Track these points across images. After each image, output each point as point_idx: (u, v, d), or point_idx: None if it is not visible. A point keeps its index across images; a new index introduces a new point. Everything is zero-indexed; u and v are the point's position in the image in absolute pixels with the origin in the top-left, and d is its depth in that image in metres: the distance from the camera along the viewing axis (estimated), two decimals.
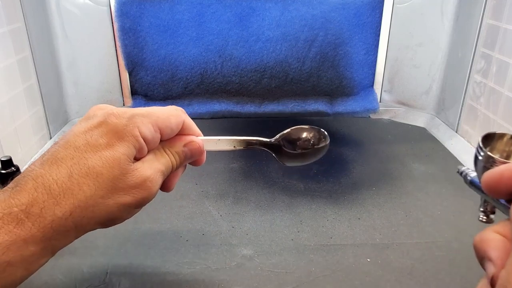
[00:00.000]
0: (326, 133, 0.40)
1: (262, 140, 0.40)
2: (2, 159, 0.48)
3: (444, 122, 0.81)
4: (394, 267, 0.46)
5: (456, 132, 0.76)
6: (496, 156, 0.29)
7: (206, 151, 0.39)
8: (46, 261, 0.30)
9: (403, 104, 0.88)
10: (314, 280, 0.44)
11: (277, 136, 0.40)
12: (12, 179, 0.30)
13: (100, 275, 0.44)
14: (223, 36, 0.82)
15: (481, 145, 0.30)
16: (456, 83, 0.76)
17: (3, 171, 0.48)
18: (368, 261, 0.47)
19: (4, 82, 0.62)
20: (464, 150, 0.71)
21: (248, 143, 0.40)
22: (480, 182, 0.27)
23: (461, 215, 0.55)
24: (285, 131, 0.40)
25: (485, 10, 0.68)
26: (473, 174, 0.32)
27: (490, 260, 0.22)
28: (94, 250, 0.48)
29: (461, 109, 0.75)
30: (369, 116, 0.88)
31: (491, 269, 0.21)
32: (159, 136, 0.35)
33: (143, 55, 0.83)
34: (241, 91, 0.86)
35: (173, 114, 0.35)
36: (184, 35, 0.82)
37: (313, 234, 0.51)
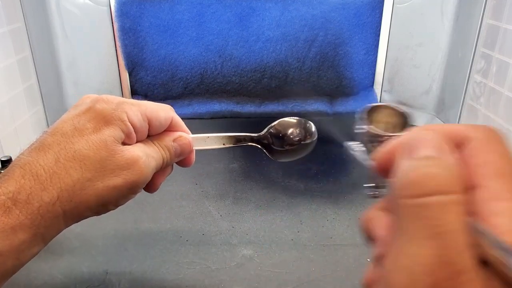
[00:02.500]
0: (313, 127, 0.40)
1: (250, 135, 0.40)
2: (2, 159, 0.48)
3: (444, 122, 0.81)
4: None
5: None
6: (380, 131, 0.29)
7: (196, 150, 0.39)
8: (39, 251, 0.29)
9: (403, 104, 0.88)
10: (314, 280, 0.44)
11: (265, 129, 0.40)
12: None
13: (100, 275, 0.44)
14: (223, 36, 0.82)
15: (363, 120, 0.30)
16: (456, 83, 0.76)
17: (3, 171, 0.48)
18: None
19: (4, 82, 0.62)
20: None
21: (237, 139, 0.39)
22: (365, 158, 0.29)
23: None
24: (273, 124, 0.40)
25: (485, 10, 0.68)
26: (356, 149, 0.32)
27: (374, 239, 0.21)
28: (94, 250, 0.48)
29: (461, 109, 0.75)
30: None
31: (375, 248, 0.21)
32: (147, 126, 0.34)
33: (143, 55, 0.83)
34: (241, 91, 0.86)
35: (162, 109, 0.35)
36: (184, 35, 0.82)
37: (313, 234, 0.51)
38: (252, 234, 0.51)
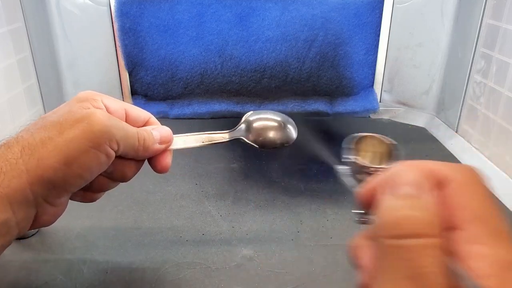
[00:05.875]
0: (293, 132, 0.40)
1: (227, 132, 0.39)
2: None
3: (444, 122, 0.81)
4: None
5: (456, 132, 0.76)
6: (365, 163, 0.31)
7: (174, 150, 0.39)
8: (6, 220, 0.28)
9: (403, 104, 0.88)
10: (314, 280, 0.44)
11: (242, 124, 0.40)
12: None
13: (100, 275, 0.44)
14: (223, 36, 0.82)
15: (350, 150, 0.32)
16: (456, 83, 0.76)
17: None
18: None
19: (4, 82, 0.62)
20: (464, 150, 0.71)
21: (215, 138, 0.39)
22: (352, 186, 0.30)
23: None
24: (250, 119, 0.40)
25: (485, 10, 0.68)
26: (345, 174, 0.33)
27: (359, 267, 0.22)
28: (94, 250, 0.48)
29: (461, 109, 0.75)
30: (369, 116, 0.88)
31: (360, 276, 0.21)
32: (123, 114, 0.35)
33: (143, 55, 0.83)
34: (241, 91, 0.86)
35: (141, 109, 0.37)
36: (184, 35, 0.82)
37: (313, 234, 0.51)
38: (252, 234, 0.51)
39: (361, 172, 0.31)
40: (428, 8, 0.79)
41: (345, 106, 0.86)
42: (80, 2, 0.78)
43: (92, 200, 0.38)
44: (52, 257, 0.47)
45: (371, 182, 0.22)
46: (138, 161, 0.36)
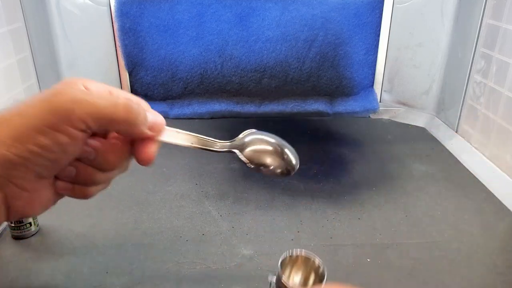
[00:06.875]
0: (293, 160, 0.35)
1: (222, 144, 0.35)
2: None
3: (444, 122, 0.81)
4: (394, 267, 0.46)
5: (456, 132, 0.76)
6: (291, 284, 0.34)
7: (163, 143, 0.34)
8: None
9: (403, 104, 0.88)
10: None
11: (238, 141, 0.35)
12: None
13: (100, 275, 0.44)
14: (223, 36, 0.82)
15: (279, 271, 0.34)
16: (456, 83, 0.76)
17: None
18: (368, 261, 0.47)
19: (4, 82, 0.62)
20: (464, 150, 0.71)
21: (206, 143, 0.34)
22: None
23: (461, 215, 0.55)
24: (246, 141, 0.35)
25: (485, 10, 0.68)
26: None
27: None
28: (94, 250, 0.48)
29: (461, 109, 0.75)
30: (369, 116, 0.88)
31: None
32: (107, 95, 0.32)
33: (143, 55, 0.83)
34: (241, 91, 0.86)
35: (131, 94, 0.33)
36: (184, 35, 0.82)
37: (313, 234, 0.51)
38: (252, 234, 0.51)
39: None
40: (428, 8, 0.79)
41: (345, 106, 0.86)
42: (80, 2, 0.78)
43: (85, 195, 0.34)
44: (52, 257, 0.47)
45: None
46: (122, 145, 0.33)
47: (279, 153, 0.35)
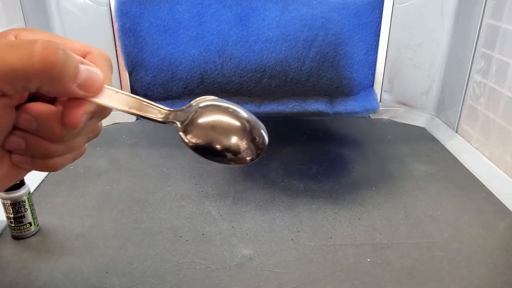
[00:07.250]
0: (265, 139, 0.26)
1: (167, 112, 0.26)
2: None
3: (444, 122, 0.81)
4: (394, 267, 0.46)
5: (456, 132, 0.76)
6: None
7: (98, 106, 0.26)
8: None
9: (403, 104, 0.88)
10: (314, 280, 0.44)
11: (192, 111, 0.26)
12: None
13: (100, 275, 0.44)
14: (223, 36, 0.82)
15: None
16: (456, 83, 0.76)
17: None
18: (368, 261, 0.47)
19: None
20: (464, 150, 0.71)
21: (147, 110, 0.25)
22: None
23: (461, 215, 0.55)
24: (201, 107, 0.26)
25: (485, 10, 0.68)
26: None
27: None
28: (94, 250, 0.48)
29: (461, 109, 0.75)
30: (369, 116, 0.88)
31: None
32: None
33: (143, 55, 0.83)
34: (241, 91, 0.86)
35: (80, 42, 0.28)
36: (184, 35, 0.82)
37: (313, 234, 0.51)
38: (252, 234, 0.51)
39: None
40: (428, 8, 0.79)
41: (345, 106, 0.86)
42: (80, 2, 0.78)
43: (49, 168, 0.28)
44: (52, 257, 0.47)
45: None
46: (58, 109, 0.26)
47: (248, 132, 0.25)
